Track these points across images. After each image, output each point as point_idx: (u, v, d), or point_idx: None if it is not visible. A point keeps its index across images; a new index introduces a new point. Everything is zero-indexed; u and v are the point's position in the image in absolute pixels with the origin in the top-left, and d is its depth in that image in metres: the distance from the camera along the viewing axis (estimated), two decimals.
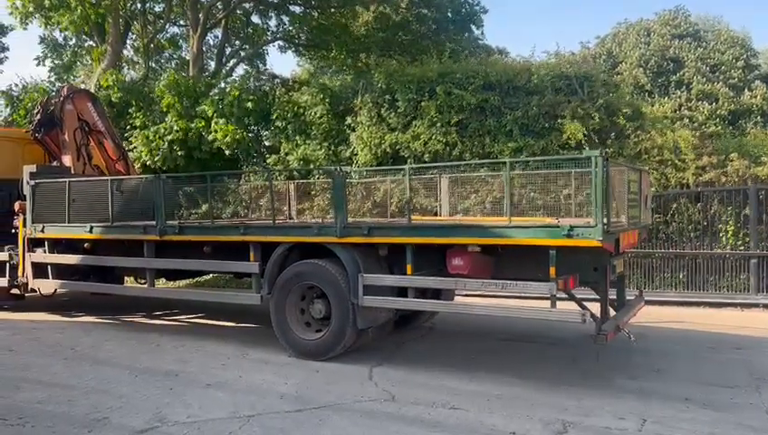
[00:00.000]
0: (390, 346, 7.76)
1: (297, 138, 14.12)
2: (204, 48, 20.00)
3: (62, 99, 11.02)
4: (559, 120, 11.85)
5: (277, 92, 15.06)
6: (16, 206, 9.77)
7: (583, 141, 11.48)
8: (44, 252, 9.49)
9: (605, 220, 5.45)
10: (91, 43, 20.19)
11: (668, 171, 11.86)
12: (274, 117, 14.43)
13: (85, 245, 9.21)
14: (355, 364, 6.90)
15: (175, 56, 23.68)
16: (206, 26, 18.75)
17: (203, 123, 14.53)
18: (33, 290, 9.78)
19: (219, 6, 19.16)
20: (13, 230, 9.85)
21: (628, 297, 7.51)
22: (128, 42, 21.15)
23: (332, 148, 13.84)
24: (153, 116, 15.48)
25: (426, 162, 11.95)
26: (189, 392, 5.97)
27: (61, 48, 21.34)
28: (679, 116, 19.89)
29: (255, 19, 21.37)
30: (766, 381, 6.25)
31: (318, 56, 21.38)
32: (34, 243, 9.59)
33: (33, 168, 9.73)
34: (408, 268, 6.53)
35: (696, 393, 5.86)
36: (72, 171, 10.58)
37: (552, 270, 5.67)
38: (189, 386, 6.19)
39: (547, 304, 5.97)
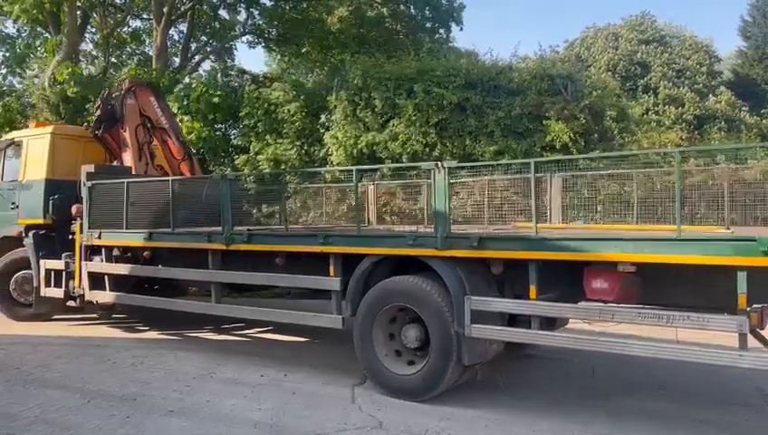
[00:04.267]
0: None
1: (268, 136, 13.44)
2: (168, 43, 19.08)
3: (122, 92, 10.08)
4: (543, 121, 11.42)
5: (246, 89, 14.36)
6: (73, 209, 8.86)
7: (569, 143, 11.07)
8: (102, 260, 8.57)
9: None
10: (46, 35, 19.08)
11: (654, 174, 11.52)
12: (243, 114, 13.74)
13: (145, 253, 8.30)
14: (335, 384, 6.29)
15: (137, 51, 22.63)
16: (171, 18, 17.85)
17: None
18: (90, 302, 8.89)
19: None
20: (70, 236, 8.96)
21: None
22: (86, 35, 20.07)
23: (305, 147, 13.20)
24: None
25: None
26: (149, 421, 5.26)
27: (12, 39, 20.11)
28: (647, 120, 19.98)
29: (223, 13, 20.58)
30: None
31: (289, 52, 20.65)
32: (92, 250, 8.66)
33: (90, 168, 8.80)
34: (532, 291, 5.21)
35: (713, 414, 5.42)
36: (134, 172, 9.65)
37: (743, 299, 4.35)
38: (149, 413, 5.47)
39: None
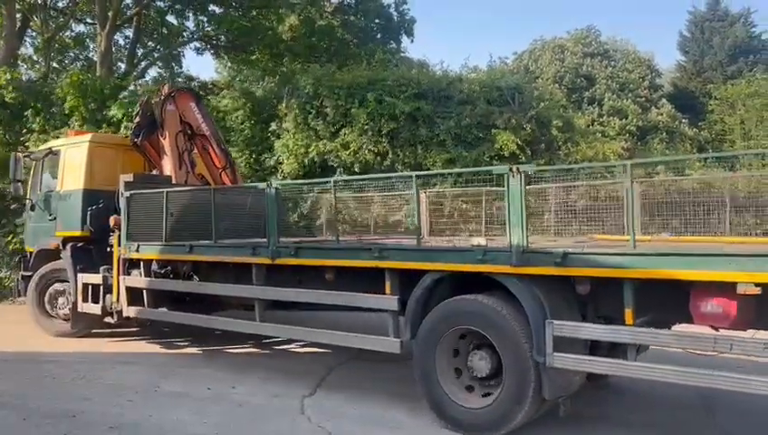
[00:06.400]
0: (322, 370, 7.11)
1: None
2: (113, 48, 18.59)
3: (162, 98, 9.58)
4: (492, 131, 11.64)
5: None
6: (111, 221, 8.35)
7: (516, 152, 11.31)
8: (140, 274, 8.10)
9: None
10: None
11: (598, 184, 11.87)
12: None
13: (184, 267, 7.88)
14: (285, 396, 6.18)
15: (81, 57, 21.98)
16: (117, 23, 17.42)
17: (111, 129, 13.33)
18: (127, 317, 8.39)
19: (130, 3, 17.87)
20: (108, 249, 8.48)
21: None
22: (26, 39, 19.40)
23: (255, 156, 13.06)
24: (54, 120, 14.11)
25: (356, 173, 11.37)
26: None
27: None
28: (592, 131, 20.66)
29: (171, 19, 20.16)
30: (711, 400, 5.96)
31: (239, 59, 20.42)
32: (130, 264, 8.19)
33: (129, 177, 8.33)
34: (628, 314, 4.49)
35: (662, 417, 5.62)
36: (174, 180, 9.11)
37: None
38: (88, 430, 5.27)
39: None
